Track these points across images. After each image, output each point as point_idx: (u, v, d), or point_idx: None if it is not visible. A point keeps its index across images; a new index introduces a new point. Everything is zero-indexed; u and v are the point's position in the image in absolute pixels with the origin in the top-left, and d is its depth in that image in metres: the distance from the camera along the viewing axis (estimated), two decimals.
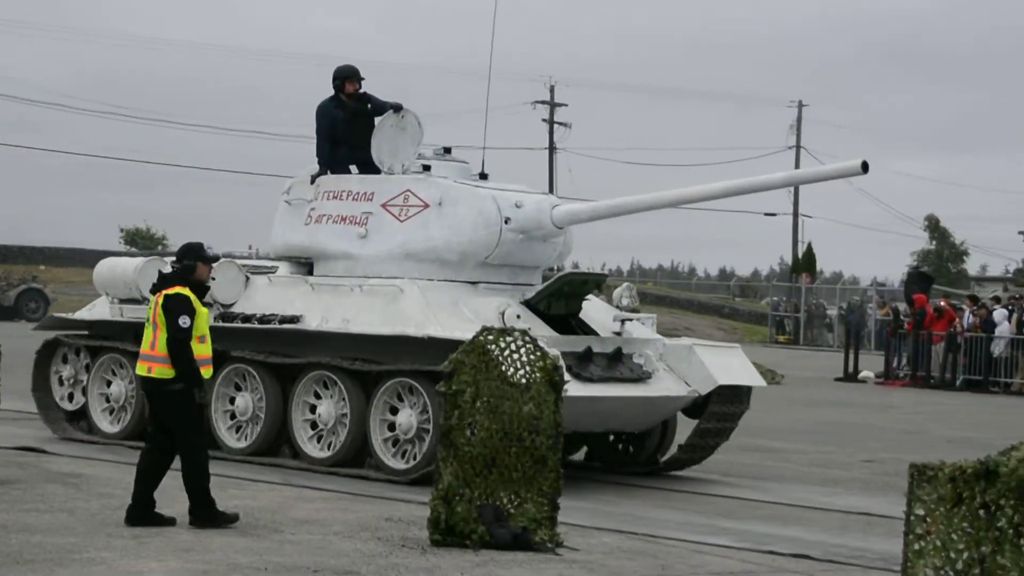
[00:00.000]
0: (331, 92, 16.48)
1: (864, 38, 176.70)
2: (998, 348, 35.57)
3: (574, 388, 13.42)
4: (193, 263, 11.54)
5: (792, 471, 17.56)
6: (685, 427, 16.19)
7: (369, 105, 16.27)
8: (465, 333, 13.12)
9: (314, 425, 15.30)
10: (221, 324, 15.41)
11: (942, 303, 39.83)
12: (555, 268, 17.45)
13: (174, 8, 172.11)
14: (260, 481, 14.20)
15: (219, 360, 14.99)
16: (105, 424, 17.18)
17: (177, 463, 11.37)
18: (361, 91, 16.42)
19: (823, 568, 11.01)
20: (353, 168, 16.45)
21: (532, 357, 11.21)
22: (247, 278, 16.21)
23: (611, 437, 16.70)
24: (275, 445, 15.62)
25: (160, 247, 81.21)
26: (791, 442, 16.27)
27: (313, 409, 15.28)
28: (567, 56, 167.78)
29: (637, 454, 16.56)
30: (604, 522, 12.49)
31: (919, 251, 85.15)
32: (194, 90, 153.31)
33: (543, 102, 79.48)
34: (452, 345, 12.31)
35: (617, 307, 16.19)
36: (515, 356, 11.17)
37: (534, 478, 11.14)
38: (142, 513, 11.25)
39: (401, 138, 15.90)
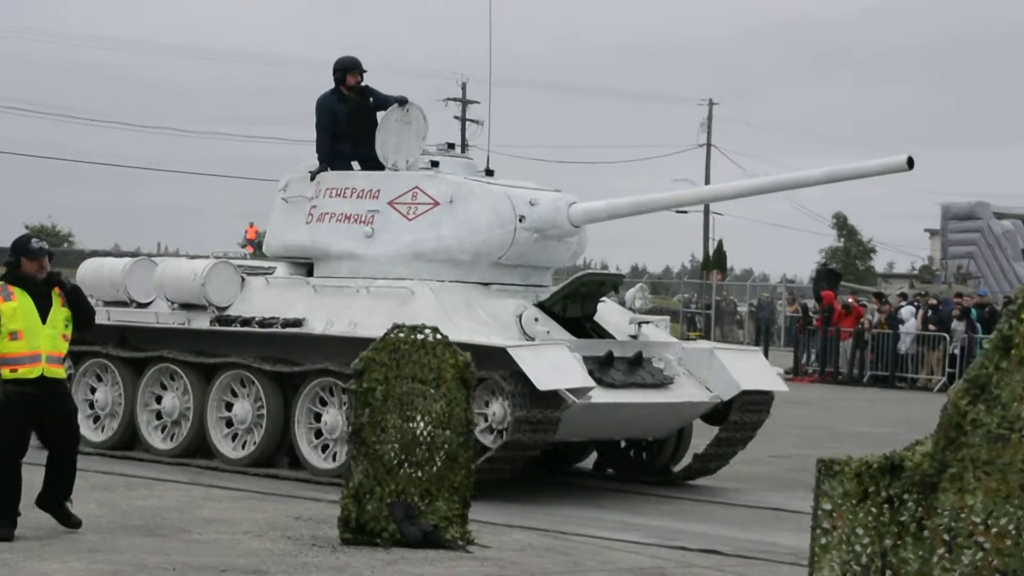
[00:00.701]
0: (326, 87, 15.75)
1: (778, 42, 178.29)
2: (904, 344, 35.87)
3: (597, 394, 13.16)
4: (16, 259, 10.85)
5: None
6: (699, 434, 15.71)
7: (371, 99, 15.57)
8: (485, 337, 12.98)
9: (318, 434, 14.48)
10: (218, 328, 14.93)
11: (850, 300, 40.08)
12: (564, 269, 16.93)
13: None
14: (168, 480, 14.06)
15: (214, 367, 15.02)
16: (88, 432, 15.82)
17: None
18: (363, 84, 15.68)
19: (732, 563, 11.03)
20: (355, 164, 15.68)
21: (443, 355, 11.15)
22: (243, 279, 15.40)
23: (622, 444, 16.02)
24: (274, 455, 14.88)
25: (66, 244, 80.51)
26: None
27: (318, 417, 14.50)
28: (483, 55, 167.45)
29: (651, 462, 15.88)
30: (515, 519, 12.45)
31: (827, 248, 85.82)
32: (103, 83, 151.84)
33: (455, 99, 79.71)
34: (472, 350, 11.98)
35: (630, 309, 15.52)
36: (426, 354, 11.11)
37: (445, 476, 11.08)
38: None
39: (405, 133, 15.19)
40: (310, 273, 15.55)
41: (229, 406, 15.09)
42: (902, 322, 36.38)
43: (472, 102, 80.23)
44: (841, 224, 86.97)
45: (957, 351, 34.40)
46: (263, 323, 14.68)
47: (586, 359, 13.44)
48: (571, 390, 12.82)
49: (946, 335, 35.17)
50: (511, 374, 12.85)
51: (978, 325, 34.82)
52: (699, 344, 15.97)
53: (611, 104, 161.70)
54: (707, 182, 79.33)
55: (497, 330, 13.59)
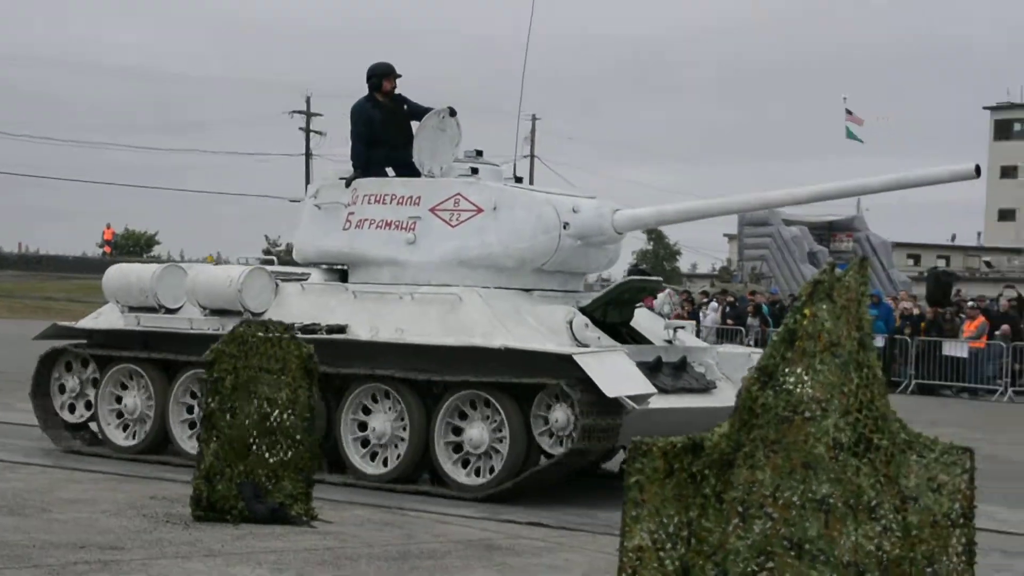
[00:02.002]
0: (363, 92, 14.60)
1: (602, 58, 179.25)
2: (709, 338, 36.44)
3: (653, 400, 12.36)
4: None
5: None
6: None
7: (405, 106, 14.50)
8: (539, 343, 12.36)
9: (365, 442, 13.37)
10: None
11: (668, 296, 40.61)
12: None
13: None
14: (33, 464, 13.83)
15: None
16: (119, 438, 14.89)
17: None
18: (396, 91, 14.56)
19: (556, 534, 11.11)
20: (389, 171, 14.59)
21: (288, 347, 11.13)
22: (276, 285, 14.22)
23: None
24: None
25: None
26: None
27: (363, 425, 13.40)
28: (325, 70, 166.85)
29: None
30: (357, 497, 12.44)
31: (638, 251, 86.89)
32: None
33: (300, 112, 79.29)
34: (529, 356, 11.70)
35: (659, 315, 14.66)
36: (272, 346, 11.08)
37: (290, 457, 11.06)
38: None
39: (441, 140, 13.98)
40: (344, 279, 14.52)
41: None
42: (705, 316, 37.07)
43: (316, 115, 79.91)
44: (650, 229, 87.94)
45: (752, 343, 34.97)
46: (306, 329, 13.37)
47: (638, 365, 12.67)
48: (634, 397, 12.05)
49: (742, 328, 35.78)
50: (577, 381, 11.96)
51: (770, 320, 35.47)
52: (734, 349, 15.03)
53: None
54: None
55: (548, 336, 12.77)
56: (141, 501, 11.61)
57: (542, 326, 12.82)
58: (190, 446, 13.92)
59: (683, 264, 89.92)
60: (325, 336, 13.25)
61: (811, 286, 8.03)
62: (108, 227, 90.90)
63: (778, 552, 7.62)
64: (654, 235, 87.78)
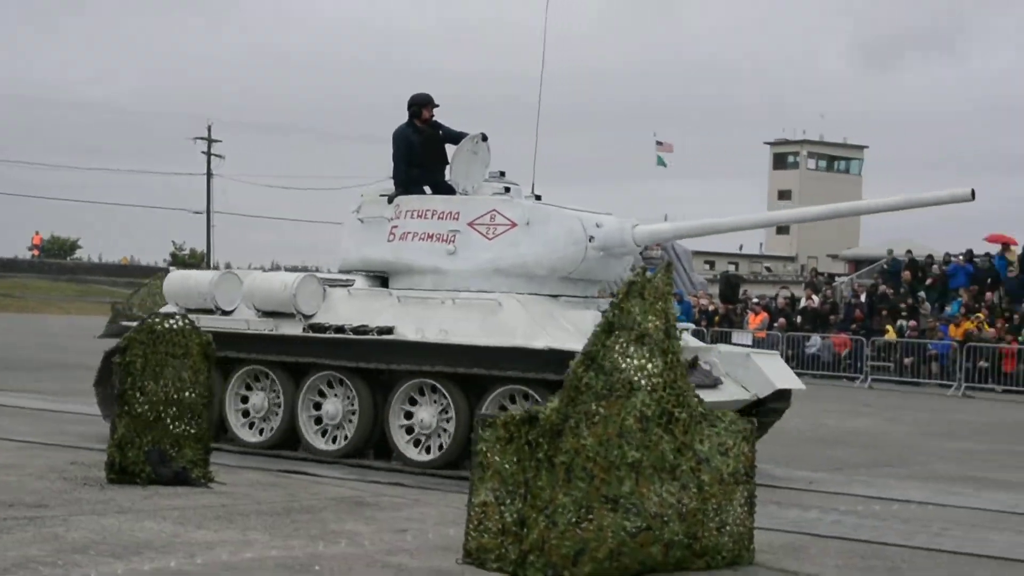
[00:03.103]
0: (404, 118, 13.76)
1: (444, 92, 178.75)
2: None
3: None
4: None
5: None
6: None
7: (440, 132, 13.68)
8: (577, 344, 11.21)
9: (409, 430, 12.52)
10: (311, 335, 12.99)
11: None
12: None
13: None
14: None
15: (305, 367, 12.98)
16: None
17: None
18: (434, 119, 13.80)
19: (415, 492, 11.10)
20: (427, 189, 13.71)
21: (190, 335, 10.98)
22: (325, 290, 13.39)
23: None
24: (363, 448, 12.74)
25: None
26: None
27: (409, 415, 12.57)
28: (225, 100, 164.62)
29: None
30: (249, 463, 12.31)
31: None
32: None
33: (202, 138, 78.66)
34: (570, 356, 11.02)
35: None
36: (176, 335, 10.93)
37: (191, 429, 10.91)
38: None
39: (474, 162, 13.36)
40: (384, 285, 13.64)
41: (318, 405, 13.09)
42: None
43: (216, 140, 79.34)
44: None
45: None
46: (357, 330, 12.69)
47: None
48: None
49: None
50: None
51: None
52: (732, 349, 14.22)
53: (328, 143, 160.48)
54: None
55: (580, 337, 11.71)
56: (63, 466, 11.37)
57: (575, 329, 12.10)
58: (247, 434, 13.44)
59: None
60: (376, 337, 12.61)
61: (627, 286, 8.11)
62: (36, 234, 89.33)
63: (597, 506, 7.68)
64: None
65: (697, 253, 63.42)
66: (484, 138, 13.32)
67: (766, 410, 13.15)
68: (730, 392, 12.62)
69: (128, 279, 74.35)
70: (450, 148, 13.58)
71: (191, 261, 78.54)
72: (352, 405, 12.81)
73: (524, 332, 11.94)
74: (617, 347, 7.94)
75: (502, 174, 13.66)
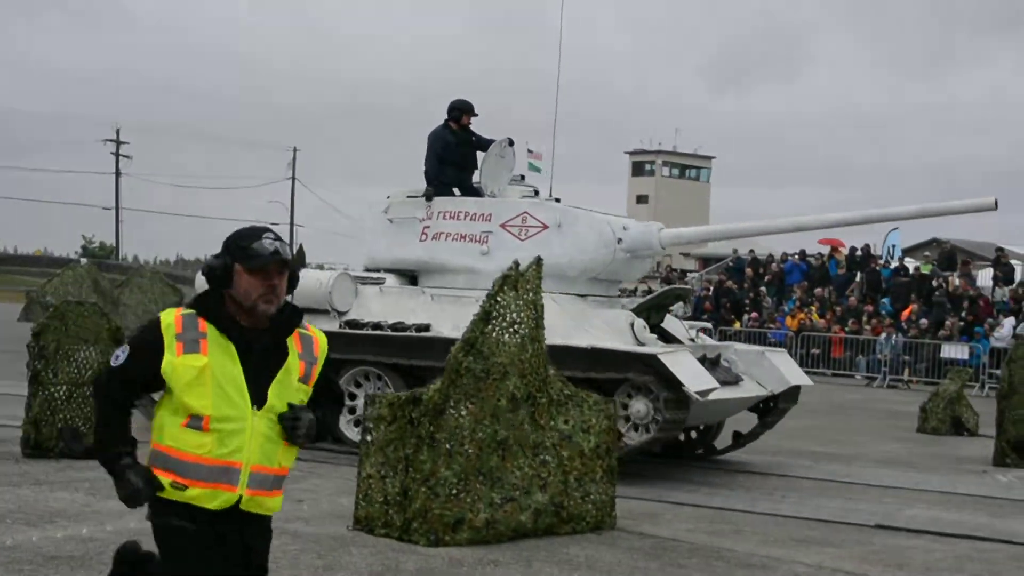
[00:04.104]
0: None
1: (341, 101, 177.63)
2: None
3: (716, 393, 10.93)
4: (224, 269, 4.12)
5: None
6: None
7: (473, 138, 12.83)
8: (610, 343, 10.97)
9: None
10: (348, 331, 12.07)
11: None
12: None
13: None
14: None
15: (339, 363, 11.79)
16: None
17: None
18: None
19: (308, 466, 10.93)
20: (455, 191, 12.89)
21: (100, 321, 10.74)
22: (357, 288, 12.58)
23: None
24: None
25: None
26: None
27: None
28: (135, 105, 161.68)
29: (698, 442, 13.22)
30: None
31: None
32: None
33: (111, 140, 77.62)
34: (609, 354, 10.59)
35: (675, 316, 12.98)
36: (87, 320, 10.68)
37: None
38: None
39: (501, 166, 12.60)
40: (413, 283, 12.91)
41: (352, 396, 12.13)
42: None
43: (124, 142, 78.34)
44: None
45: None
46: (395, 327, 11.96)
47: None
48: (704, 391, 10.69)
49: None
50: (660, 378, 10.58)
51: None
52: (749, 347, 13.32)
53: (223, 146, 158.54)
54: (292, 207, 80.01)
55: (615, 336, 11.27)
56: None
57: (609, 328, 11.46)
58: None
59: None
60: (415, 335, 11.82)
61: (501, 280, 8.13)
62: None
63: (473, 479, 7.69)
64: None
65: None
66: (510, 143, 12.68)
67: (778, 405, 12.61)
68: (749, 388, 11.98)
69: (41, 269, 72.68)
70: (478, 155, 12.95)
71: (100, 254, 77.15)
72: None
73: (563, 331, 11.09)
74: (493, 335, 7.95)
75: (522, 178, 13.15)
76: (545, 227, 12.17)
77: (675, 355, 10.75)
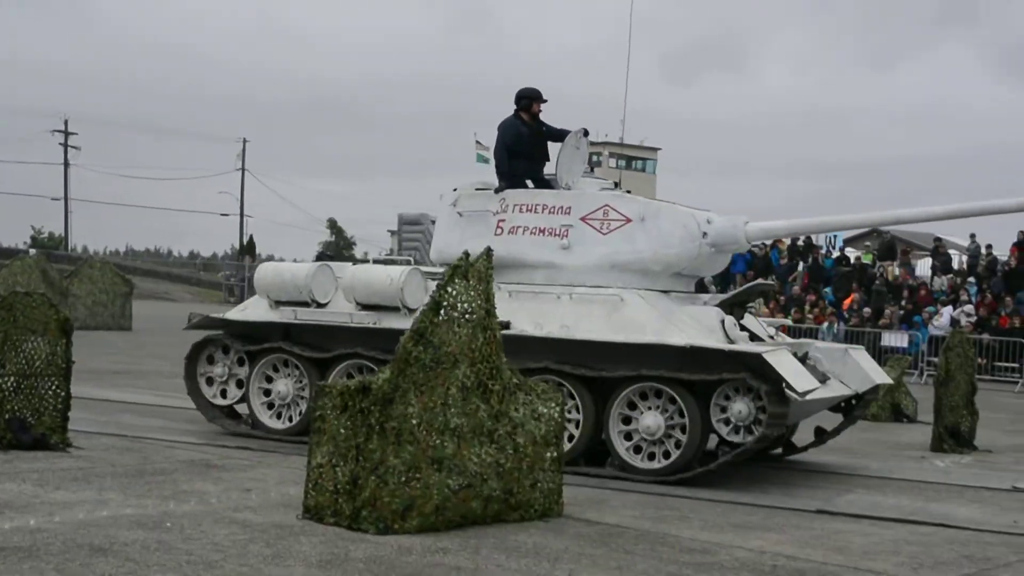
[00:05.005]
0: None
1: (292, 95, 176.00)
2: None
3: (816, 392, 10.49)
4: None
5: None
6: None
7: (544, 128, 12.15)
8: (704, 341, 10.42)
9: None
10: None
11: None
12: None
13: None
14: None
15: None
16: (271, 421, 12.32)
17: None
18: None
19: (258, 455, 10.95)
20: (529, 183, 12.19)
21: (49, 312, 10.61)
22: (427, 284, 11.80)
23: None
24: None
25: None
26: None
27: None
28: (83, 97, 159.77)
29: (776, 441, 11.95)
30: (105, 429, 11.95)
31: (323, 242, 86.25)
32: None
33: (60, 131, 76.87)
34: (708, 353, 10.16)
35: (751, 313, 12.25)
36: (36, 311, 10.55)
37: (49, 398, 10.56)
38: None
39: (575, 157, 11.91)
40: None
41: None
42: None
43: (72, 133, 77.62)
44: (333, 225, 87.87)
45: None
46: None
47: None
48: (807, 391, 10.22)
49: None
50: (762, 377, 10.11)
51: None
52: (831, 345, 12.71)
53: (173, 138, 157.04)
54: (242, 198, 79.58)
55: (707, 334, 10.70)
56: None
57: (699, 325, 10.81)
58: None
59: (358, 252, 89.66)
60: (504, 332, 10.90)
61: (452, 269, 8.11)
62: None
63: (424, 466, 7.68)
64: (335, 231, 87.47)
65: None
66: (586, 133, 12.01)
67: (862, 403, 12.21)
68: (836, 388, 11.47)
69: None
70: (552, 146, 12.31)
71: (49, 244, 76.32)
72: None
73: (654, 328, 10.63)
74: (443, 324, 7.94)
75: (592, 170, 12.22)
76: (628, 220, 11.49)
77: (777, 354, 10.25)
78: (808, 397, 10.21)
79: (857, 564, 7.49)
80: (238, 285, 60.80)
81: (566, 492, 8.66)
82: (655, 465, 10.43)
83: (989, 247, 32.20)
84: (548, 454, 8.40)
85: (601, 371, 10.63)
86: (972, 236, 33.91)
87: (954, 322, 28.09)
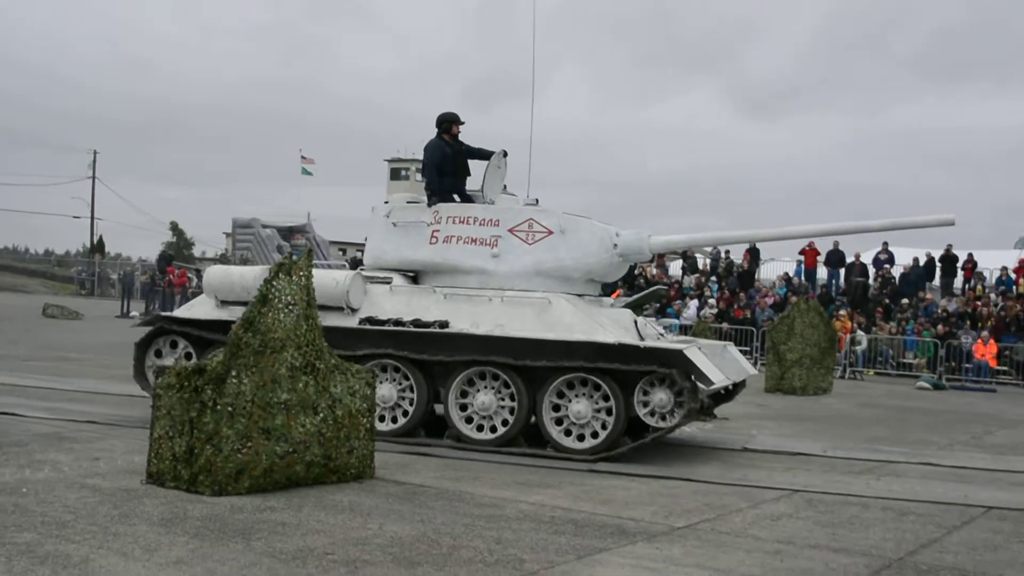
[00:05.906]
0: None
1: (139, 113, 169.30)
2: None
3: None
4: None
5: None
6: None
7: (464, 147, 11.76)
8: (622, 339, 10.15)
9: (464, 408, 10.62)
10: (368, 328, 10.85)
11: (178, 271, 39.20)
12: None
13: None
14: None
15: (361, 358, 10.59)
16: None
17: None
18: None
19: (105, 429, 10.50)
20: (456, 197, 11.77)
21: None
22: (366, 287, 11.29)
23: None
24: (415, 429, 10.69)
25: None
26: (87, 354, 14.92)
27: (466, 396, 10.62)
28: None
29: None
30: None
31: (166, 242, 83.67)
32: None
33: None
34: (633, 350, 9.92)
35: (644, 315, 11.55)
36: None
37: None
38: None
39: (496, 175, 11.60)
40: (414, 282, 11.67)
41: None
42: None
43: None
44: (175, 227, 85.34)
45: None
46: (417, 323, 10.77)
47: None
48: (718, 384, 10.14)
49: None
50: (682, 372, 9.93)
51: None
52: (713, 343, 12.41)
53: (31, 150, 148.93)
54: (93, 202, 76.63)
55: (622, 333, 10.48)
56: None
57: (616, 325, 10.67)
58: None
59: (196, 251, 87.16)
60: (439, 331, 10.65)
61: (277, 267, 8.00)
62: None
63: (255, 435, 7.55)
64: (177, 232, 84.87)
65: (333, 242, 63.51)
66: (505, 154, 11.76)
67: (734, 391, 12.42)
68: (719, 378, 11.39)
69: None
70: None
71: None
72: (410, 392, 10.81)
73: (583, 328, 10.38)
74: (271, 314, 7.82)
75: (504, 187, 12.09)
76: (550, 232, 11.29)
77: (692, 350, 10.10)
78: (711, 387, 10.22)
79: (619, 513, 7.72)
80: (89, 279, 58.39)
81: (378, 457, 8.65)
82: (584, 445, 10.24)
83: (728, 252, 33.53)
84: (363, 425, 8.36)
85: (539, 363, 10.31)
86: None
87: (699, 313, 29.21)
